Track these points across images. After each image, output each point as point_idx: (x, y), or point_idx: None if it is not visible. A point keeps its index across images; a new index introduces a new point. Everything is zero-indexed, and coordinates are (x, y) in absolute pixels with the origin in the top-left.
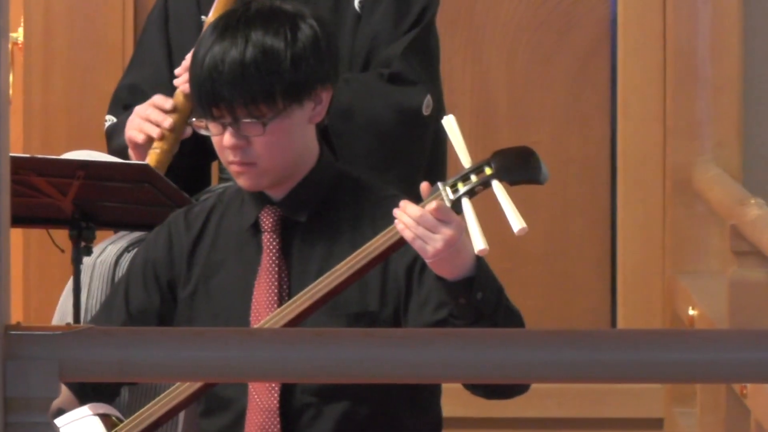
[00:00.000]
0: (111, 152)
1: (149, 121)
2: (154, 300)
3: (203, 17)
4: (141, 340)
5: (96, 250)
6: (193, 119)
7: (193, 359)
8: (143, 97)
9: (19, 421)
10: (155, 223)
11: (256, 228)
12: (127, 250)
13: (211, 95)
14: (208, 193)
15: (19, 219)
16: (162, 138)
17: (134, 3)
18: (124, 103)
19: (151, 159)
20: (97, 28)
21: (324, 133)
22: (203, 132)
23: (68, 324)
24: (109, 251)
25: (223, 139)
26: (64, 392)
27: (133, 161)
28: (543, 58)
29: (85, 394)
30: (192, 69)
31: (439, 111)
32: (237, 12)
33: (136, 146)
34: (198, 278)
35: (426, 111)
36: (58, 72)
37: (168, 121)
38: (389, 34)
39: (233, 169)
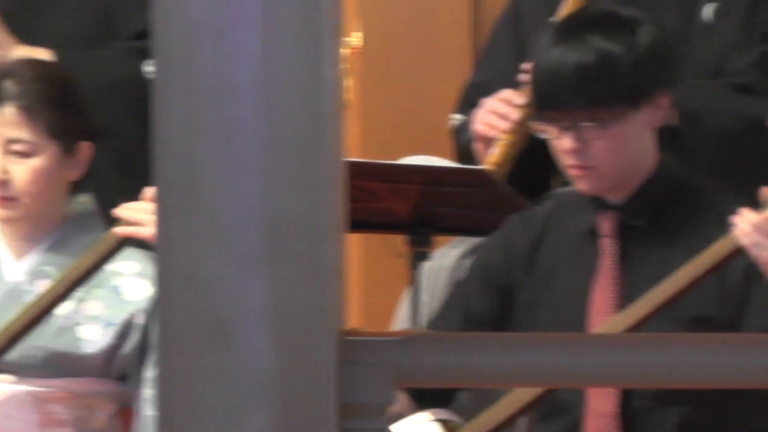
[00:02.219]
0: (457, 148)
1: (496, 113)
2: (491, 305)
3: (552, 19)
4: (477, 345)
5: (438, 254)
6: (534, 121)
7: (530, 365)
8: (491, 96)
9: (355, 427)
10: (492, 228)
11: (594, 232)
12: (467, 255)
13: (551, 99)
14: (549, 198)
15: (357, 224)
16: (509, 130)
17: (471, 7)
18: (472, 101)
19: (497, 150)
20: (435, 31)
21: (670, 136)
22: (543, 135)
23: (405, 329)
24: (450, 255)
25: (562, 143)
26: (402, 397)
27: (471, 166)
28: None
29: (422, 398)
30: (532, 72)
31: None
32: (576, 16)
33: (483, 139)
34: (536, 283)
35: None
36: (396, 76)
37: (515, 113)
38: (740, 45)
39: (572, 172)
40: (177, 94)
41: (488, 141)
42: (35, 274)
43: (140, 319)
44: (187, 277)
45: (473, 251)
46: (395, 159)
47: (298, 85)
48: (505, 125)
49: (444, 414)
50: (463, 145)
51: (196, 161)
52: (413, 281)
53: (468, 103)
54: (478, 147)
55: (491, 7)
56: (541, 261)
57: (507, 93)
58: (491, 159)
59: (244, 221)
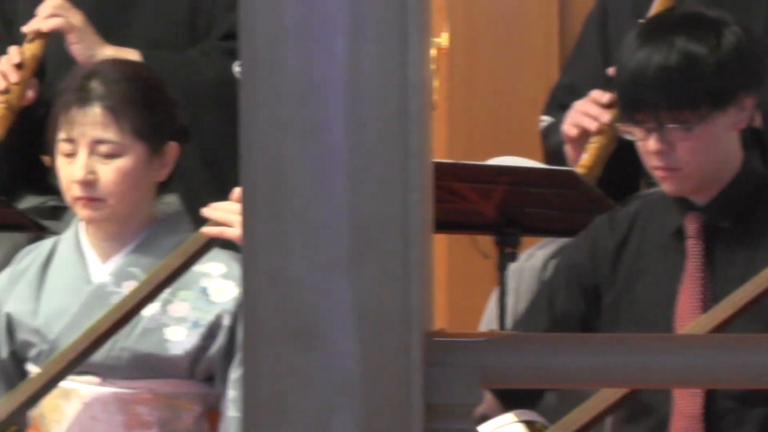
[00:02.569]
0: (546, 150)
1: (587, 115)
2: (577, 305)
3: (640, 20)
4: (563, 346)
5: (525, 255)
6: (619, 123)
7: (615, 365)
8: (579, 98)
9: (441, 428)
10: (579, 228)
11: (680, 233)
12: (554, 255)
13: (635, 100)
14: (635, 198)
15: (443, 225)
16: (600, 133)
17: (559, 8)
18: (560, 102)
19: (589, 153)
20: (521, 32)
21: (755, 137)
22: (628, 136)
23: (491, 330)
24: (537, 256)
25: (647, 144)
26: (488, 398)
27: (557, 167)
28: None
29: (507, 399)
30: (617, 73)
31: None
32: (662, 17)
33: (573, 141)
34: (622, 283)
35: None
36: (482, 77)
37: (606, 115)
38: None
39: (657, 174)
40: (264, 94)
41: (579, 143)
42: (121, 276)
43: (227, 321)
44: (272, 277)
45: (560, 252)
46: (481, 160)
47: (385, 85)
48: (595, 126)
49: (529, 415)
50: (553, 146)
51: (282, 162)
52: (500, 282)
53: (556, 104)
54: (568, 149)
55: (578, 7)
56: (627, 262)
57: (597, 94)
58: (583, 163)
59: (330, 222)
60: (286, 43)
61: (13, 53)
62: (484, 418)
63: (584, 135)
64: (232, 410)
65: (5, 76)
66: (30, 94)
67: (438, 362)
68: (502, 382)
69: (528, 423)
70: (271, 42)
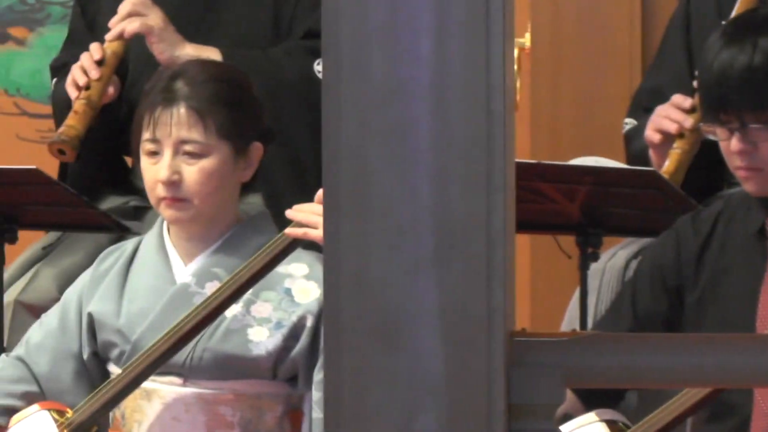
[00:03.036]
0: (630, 155)
1: (669, 119)
2: (661, 305)
3: (723, 22)
4: (646, 346)
5: (606, 255)
6: (703, 123)
7: (699, 365)
8: (663, 101)
9: (524, 429)
10: (662, 229)
11: (762, 233)
12: (636, 255)
13: (719, 100)
14: (718, 199)
15: (526, 225)
16: (682, 138)
17: (642, 8)
18: (644, 105)
19: (671, 159)
20: (605, 33)
21: None
22: (711, 137)
23: (573, 330)
24: (619, 256)
25: (730, 144)
26: (570, 397)
27: (641, 168)
28: None
29: (589, 398)
30: (701, 74)
31: None
32: (745, 18)
33: (655, 146)
34: (705, 283)
35: None
36: (566, 77)
37: (688, 120)
38: None
39: (740, 174)
40: (347, 95)
41: (661, 149)
42: (204, 276)
43: (310, 322)
44: (355, 278)
45: (642, 252)
46: (564, 160)
47: (469, 86)
48: (677, 129)
49: (611, 414)
50: (637, 151)
51: (365, 162)
52: (582, 282)
53: (640, 107)
54: (651, 154)
55: (661, 7)
56: (709, 262)
57: (678, 98)
58: (665, 169)
59: (414, 222)
60: (371, 43)
61: (94, 50)
62: (566, 417)
63: (667, 140)
64: (317, 411)
65: (86, 72)
66: (111, 90)
67: (520, 362)
68: (584, 382)
69: (610, 422)
70: (355, 43)
